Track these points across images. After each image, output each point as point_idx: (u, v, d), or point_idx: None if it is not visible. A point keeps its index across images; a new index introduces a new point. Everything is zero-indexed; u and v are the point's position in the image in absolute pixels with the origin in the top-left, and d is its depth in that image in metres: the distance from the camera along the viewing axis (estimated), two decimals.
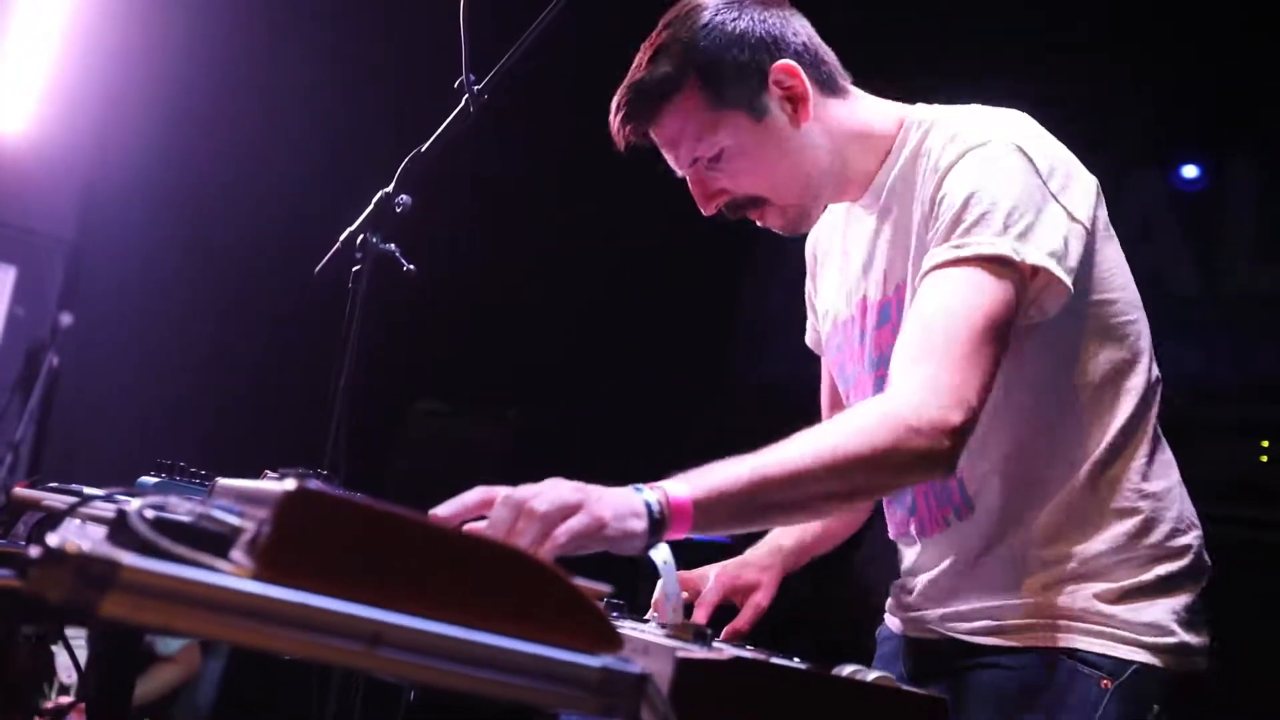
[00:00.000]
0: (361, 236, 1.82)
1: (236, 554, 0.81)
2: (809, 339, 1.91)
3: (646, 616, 1.49)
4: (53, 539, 0.73)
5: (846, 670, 1.04)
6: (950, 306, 1.41)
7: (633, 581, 1.39)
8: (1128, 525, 1.54)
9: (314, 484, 0.82)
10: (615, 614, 1.21)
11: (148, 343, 4.93)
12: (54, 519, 1.16)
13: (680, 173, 1.63)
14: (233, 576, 0.75)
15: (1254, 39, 4.05)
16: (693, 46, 1.54)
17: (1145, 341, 1.60)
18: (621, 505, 1.20)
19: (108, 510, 1.09)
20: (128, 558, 0.72)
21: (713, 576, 1.79)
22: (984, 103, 1.63)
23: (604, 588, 1.03)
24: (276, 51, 4.81)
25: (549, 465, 1.36)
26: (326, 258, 1.86)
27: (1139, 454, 1.56)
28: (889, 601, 1.79)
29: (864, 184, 1.65)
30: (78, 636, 1.72)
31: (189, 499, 0.91)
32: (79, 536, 0.75)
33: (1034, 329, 1.50)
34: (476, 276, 4.98)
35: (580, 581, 0.89)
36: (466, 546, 0.85)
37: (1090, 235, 1.51)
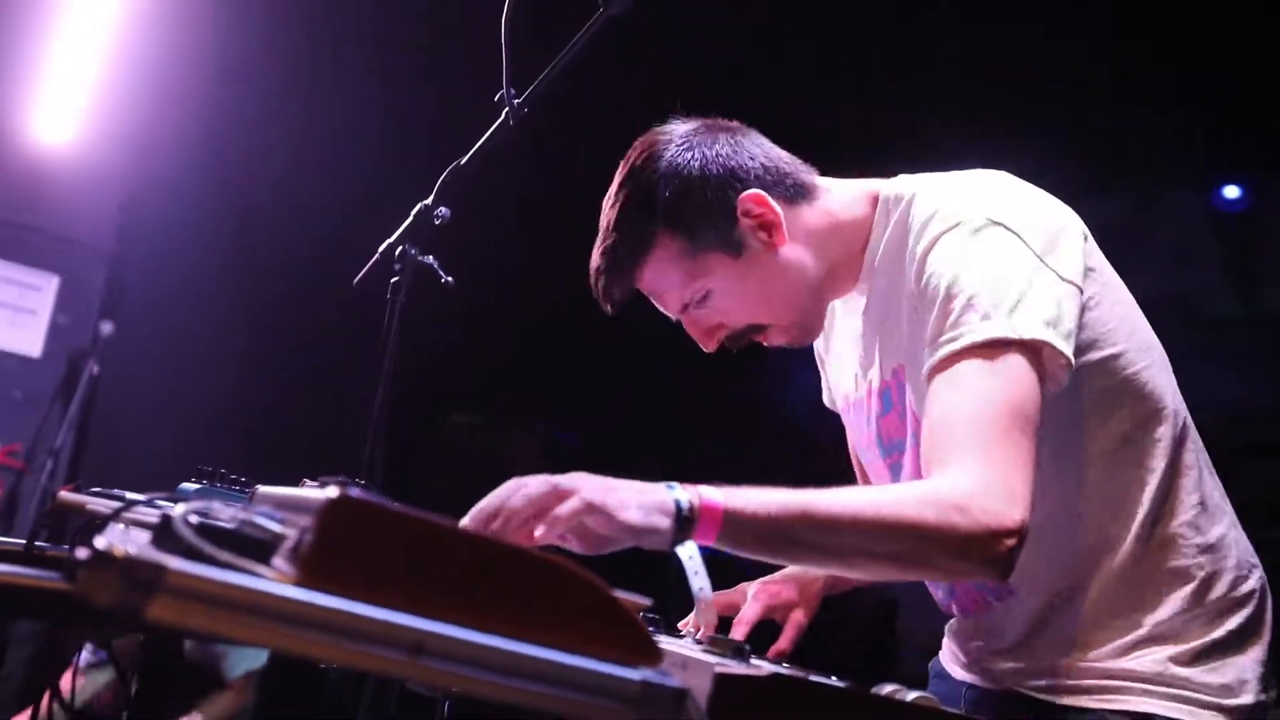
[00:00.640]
0: (400, 248, 1.83)
1: (279, 561, 0.82)
2: (825, 399, 1.88)
3: (682, 633, 1.48)
4: (100, 542, 0.74)
5: (886, 690, 1.04)
6: (969, 401, 1.33)
7: (663, 600, 1.38)
8: (1191, 585, 1.47)
9: (356, 492, 0.82)
10: (652, 628, 1.20)
11: (187, 352, 4.99)
12: (98, 524, 1.17)
13: (674, 318, 1.63)
14: (276, 582, 0.76)
15: None
16: (656, 200, 1.53)
17: (1165, 386, 1.52)
18: (647, 500, 1.19)
19: (151, 516, 1.10)
20: (174, 562, 0.73)
21: (751, 594, 1.78)
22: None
23: (644, 600, 1.03)
24: (317, 64, 4.87)
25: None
26: (366, 269, 1.87)
27: (1186, 506, 1.49)
28: (945, 641, 1.74)
29: (855, 272, 1.62)
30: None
31: (231, 505, 0.92)
32: (123, 541, 0.76)
33: (1049, 400, 1.41)
34: (513, 290, 5.00)
35: (620, 594, 0.89)
36: (508, 556, 0.84)
37: (1084, 291, 1.45)
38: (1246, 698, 1.45)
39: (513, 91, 1.82)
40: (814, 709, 0.95)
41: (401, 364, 1.84)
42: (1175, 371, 1.58)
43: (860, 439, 1.71)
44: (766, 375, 5.61)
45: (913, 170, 1.63)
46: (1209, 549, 1.49)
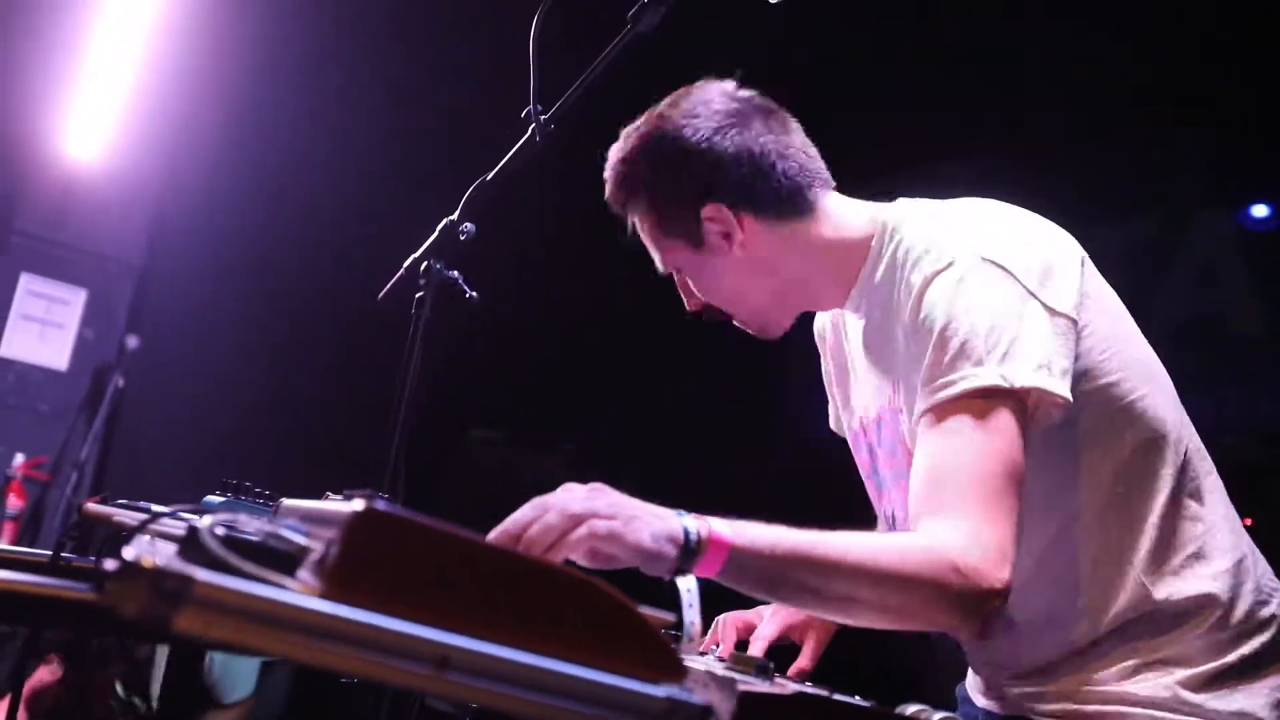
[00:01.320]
0: (425, 263, 1.83)
1: (304, 573, 0.82)
2: (831, 423, 1.88)
3: (702, 649, 1.48)
4: (128, 553, 0.74)
5: (910, 710, 1.03)
6: (958, 453, 1.35)
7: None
8: (1202, 612, 1.45)
9: (382, 504, 0.82)
10: (676, 645, 1.20)
11: (211, 366, 5.02)
12: (125, 535, 1.18)
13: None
14: (302, 595, 0.76)
15: None
16: (642, 174, 1.61)
17: (1166, 413, 1.50)
18: (658, 526, 1.20)
19: (176, 528, 1.11)
20: (201, 573, 0.73)
21: (769, 614, 1.78)
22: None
23: (668, 616, 1.02)
24: (344, 81, 4.91)
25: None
26: (390, 284, 1.88)
27: (1193, 534, 1.47)
28: (969, 670, 1.73)
29: (844, 289, 1.62)
30: None
31: (256, 518, 0.92)
32: (150, 553, 0.76)
33: (1041, 434, 1.41)
34: (537, 306, 5.01)
35: (645, 610, 0.88)
36: (534, 571, 0.84)
37: (1080, 323, 1.44)
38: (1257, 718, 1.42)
39: (539, 108, 1.82)
40: None
41: (424, 379, 1.84)
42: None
43: (864, 466, 1.72)
44: (785, 395, 5.60)
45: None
46: (1220, 575, 1.46)
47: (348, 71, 4.91)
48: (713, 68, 1.68)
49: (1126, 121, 4.18)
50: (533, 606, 0.82)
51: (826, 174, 1.64)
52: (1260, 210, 4.42)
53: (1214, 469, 1.55)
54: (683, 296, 1.70)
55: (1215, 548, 1.48)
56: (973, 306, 1.39)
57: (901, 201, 1.62)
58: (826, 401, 1.87)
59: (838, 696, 1.08)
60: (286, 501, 1.27)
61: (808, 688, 1.18)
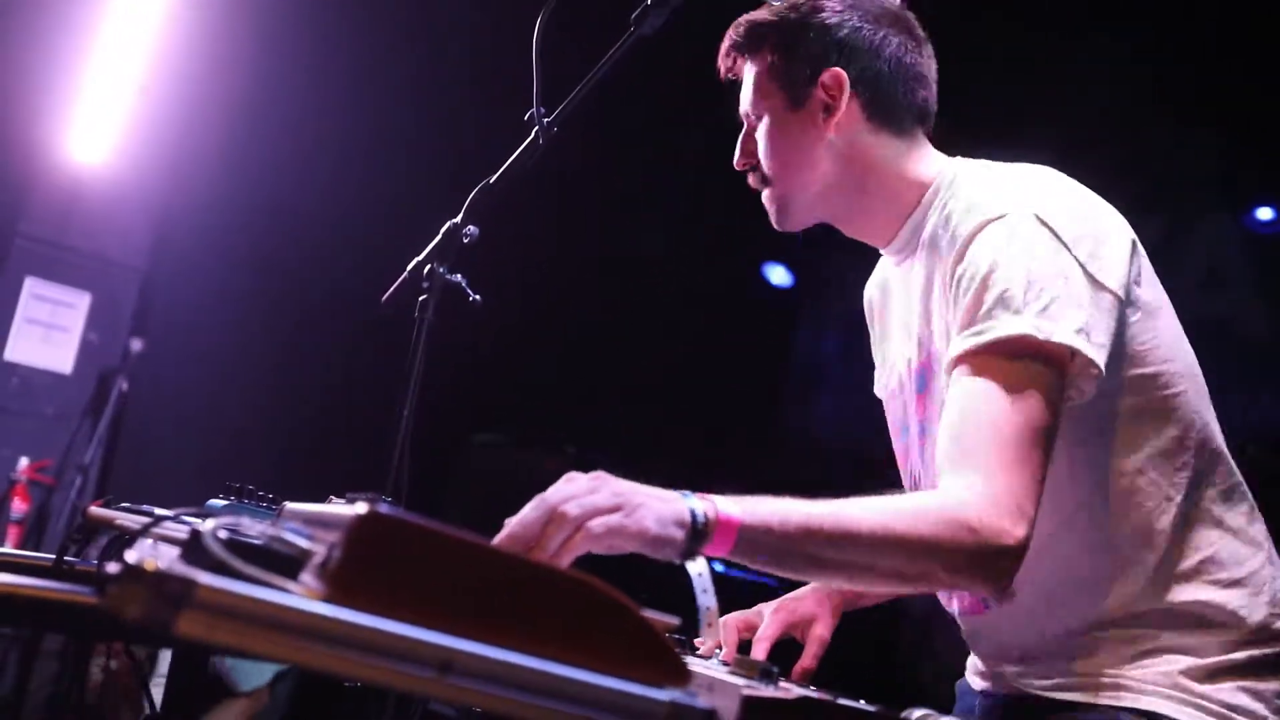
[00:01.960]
0: (429, 266, 1.83)
1: (307, 577, 0.81)
2: (876, 388, 1.86)
3: (700, 651, 1.47)
4: (130, 556, 0.74)
5: (916, 714, 1.02)
6: (987, 405, 1.33)
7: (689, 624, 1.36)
8: (1213, 621, 1.44)
9: (385, 508, 0.82)
10: (680, 649, 1.19)
11: (215, 369, 5.03)
12: (128, 539, 1.18)
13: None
14: (305, 598, 0.75)
15: None
16: (787, 19, 1.62)
17: (1198, 414, 1.49)
18: (664, 510, 1.17)
19: (179, 531, 1.11)
20: (203, 577, 0.73)
21: (769, 613, 1.77)
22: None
23: (673, 620, 1.02)
24: (347, 85, 4.92)
25: None
26: (394, 287, 1.88)
27: (1209, 541, 1.46)
28: (969, 660, 1.73)
29: (888, 230, 1.64)
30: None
31: (259, 521, 0.91)
32: (153, 556, 0.76)
33: (1071, 411, 1.40)
34: (540, 309, 5.01)
35: (649, 614, 0.88)
36: (537, 575, 0.84)
37: (1125, 303, 1.42)
38: (1258, 716, 1.42)
39: (542, 111, 1.82)
40: None
41: (428, 382, 1.84)
42: (1209, 395, 1.55)
43: (898, 420, 1.71)
44: (789, 394, 5.60)
45: None
46: (1236, 583, 1.45)
47: (350, 75, 4.92)
48: (717, 70, 1.69)
49: (1131, 124, 4.18)
50: (536, 610, 0.81)
51: (932, 117, 1.66)
52: (1265, 213, 4.41)
53: (1242, 480, 1.53)
54: (736, 149, 1.69)
55: (1231, 556, 1.46)
56: (1019, 258, 1.38)
57: (960, 159, 1.64)
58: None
59: (842, 700, 1.07)
60: (290, 505, 1.26)
61: (812, 691, 1.17)
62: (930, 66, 1.66)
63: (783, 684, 1.12)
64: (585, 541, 1.14)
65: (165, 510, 1.25)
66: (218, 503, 1.42)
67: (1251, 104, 4.10)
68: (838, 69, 1.59)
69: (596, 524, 1.14)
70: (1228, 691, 1.42)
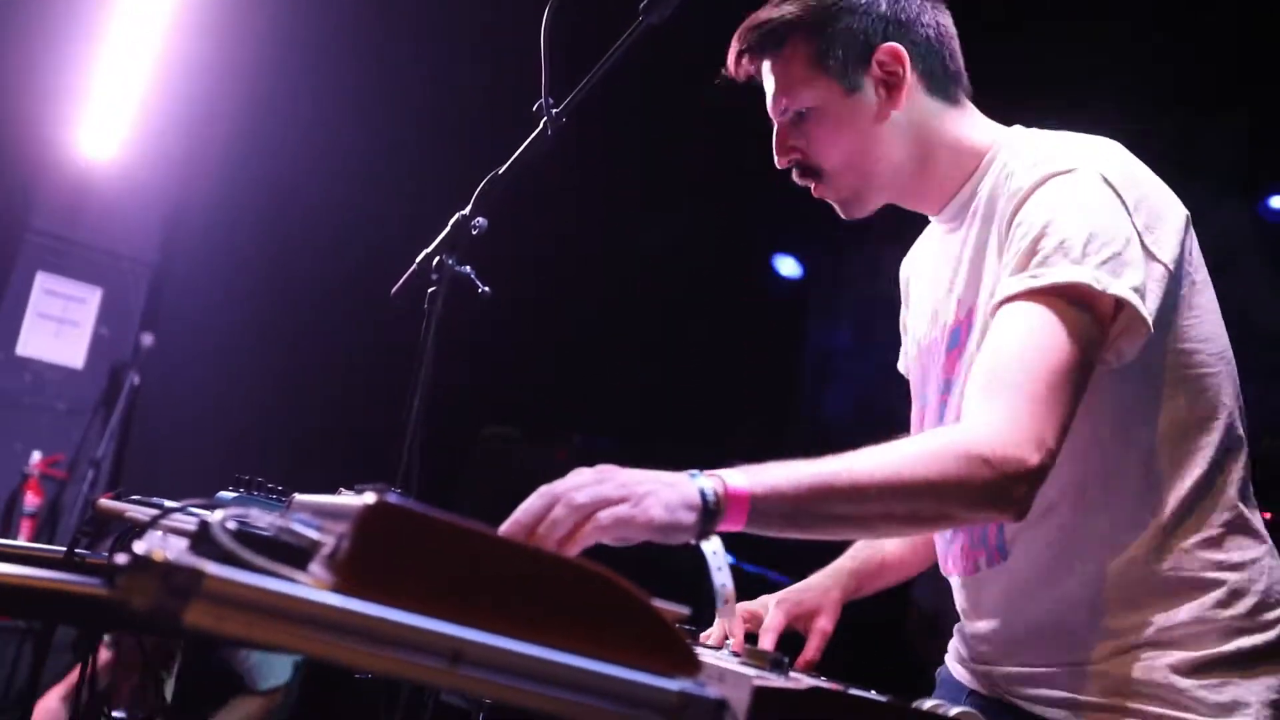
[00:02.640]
0: (438, 258, 1.83)
1: (316, 567, 0.81)
2: (900, 365, 1.87)
3: (710, 641, 1.47)
4: (139, 547, 0.74)
5: (928, 704, 1.01)
6: (1027, 340, 1.33)
7: (699, 613, 1.36)
8: (1205, 597, 1.43)
9: (394, 498, 0.81)
10: (690, 639, 1.19)
11: (226, 363, 5.04)
12: (137, 531, 1.18)
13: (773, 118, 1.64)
14: (313, 589, 0.75)
15: None
16: (820, 5, 1.57)
17: (1228, 399, 1.48)
18: (671, 497, 1.16)
19: (188, 523, 1.11)
20: (211, 567, 0.72)
21: (773, 605, 1.76)
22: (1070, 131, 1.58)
23: (683, 610, 1.01)
24: (357, 78, 4.91)
25: None
26: (403, 279, 1.87)
27: (1209, 522, 1.45)
28: (951, 644, 1.72)
29: (943, 198, 1.63)
30: None
31: (268, 512, 0.91)
32: (162, 547, 0.76)
33: (1100, 375, 1.39)
34: (550, 300, 5.01)
35: (659, 604, 0.87)
36: (547, 564, 0.84)
37: (1174, 278, 1.43)
38: (1247, 712, 1.39)
39: (551, 101, 1.82)
40: None
41: (437, 375, 1.84)
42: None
43: (923, 380, 1.69)
44: (800, 385, 5.59)
45: None
46: (1233, 567, 1.44)
47: (360, 68, 4.91)
48: (725, 60, 1.67)
49: (1143, 114, 4.15)
50: (546, 600, 0.81)
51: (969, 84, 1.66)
52: (1278, 202, 4.38)
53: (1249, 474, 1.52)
54: (775, 148, 1.63)
55: (1233, 540, 1.46)
56: (1083, 211, 1.38)
57: (1017, 127, 1.63)
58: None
59: (853, 691, 1.07)
60: (299, 496, 1.26)
61: (823, 682, 1.17)
62: (955, 32, 1.64)
63: (793, 674, 1.11)
64: (593, 532, 1.13)
65: (174, 502, 1.25)
66: (227, 495, 1.42)
67: (1267, 93, 4.07)
68: (892, 44, 1.56)
69: (605, 515, 1.13)
70: (1217, 689, 1.40)
